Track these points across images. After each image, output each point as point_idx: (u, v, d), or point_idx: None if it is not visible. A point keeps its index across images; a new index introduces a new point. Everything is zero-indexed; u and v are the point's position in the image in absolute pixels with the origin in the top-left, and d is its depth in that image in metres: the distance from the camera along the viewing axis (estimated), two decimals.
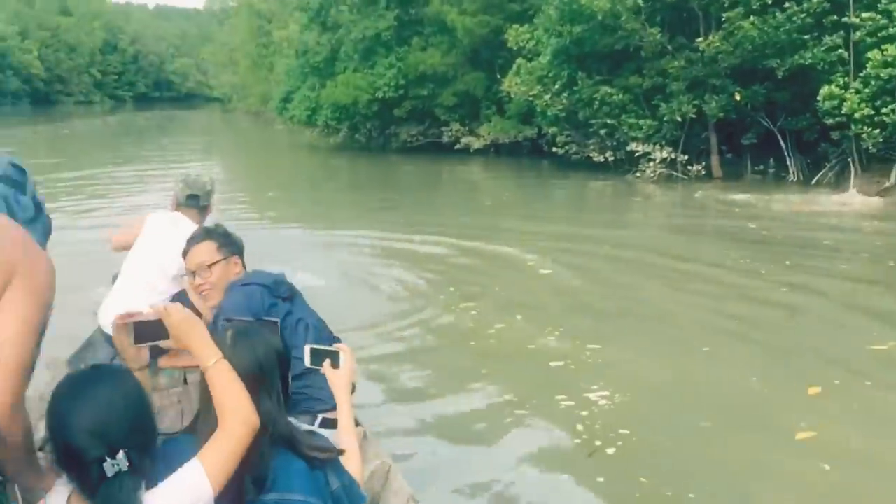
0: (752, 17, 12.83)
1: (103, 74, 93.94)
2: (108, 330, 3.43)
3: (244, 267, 3.08)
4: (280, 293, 2.81)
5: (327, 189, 16.57)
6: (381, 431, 3.88)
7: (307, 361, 2.32)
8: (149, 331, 1.93)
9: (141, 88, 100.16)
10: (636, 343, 5.67)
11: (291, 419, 2.09)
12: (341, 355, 2.32)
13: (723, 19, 13.51)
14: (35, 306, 1.66)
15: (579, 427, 4.19)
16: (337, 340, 2.80)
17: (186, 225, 3.71)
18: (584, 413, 4.36)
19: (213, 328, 2.63)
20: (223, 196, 14.22)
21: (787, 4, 12.67)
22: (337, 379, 2.30)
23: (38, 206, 1.94)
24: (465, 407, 4.59)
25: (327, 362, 2.30)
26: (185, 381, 3.55)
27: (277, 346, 1.96)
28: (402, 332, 5.90)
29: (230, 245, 3.06)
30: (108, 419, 1.58)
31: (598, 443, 4.01)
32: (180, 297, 3.49)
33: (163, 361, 3.49)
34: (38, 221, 1.92)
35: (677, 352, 5.50)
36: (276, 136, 30.97)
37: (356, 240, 9.81)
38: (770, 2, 12.89)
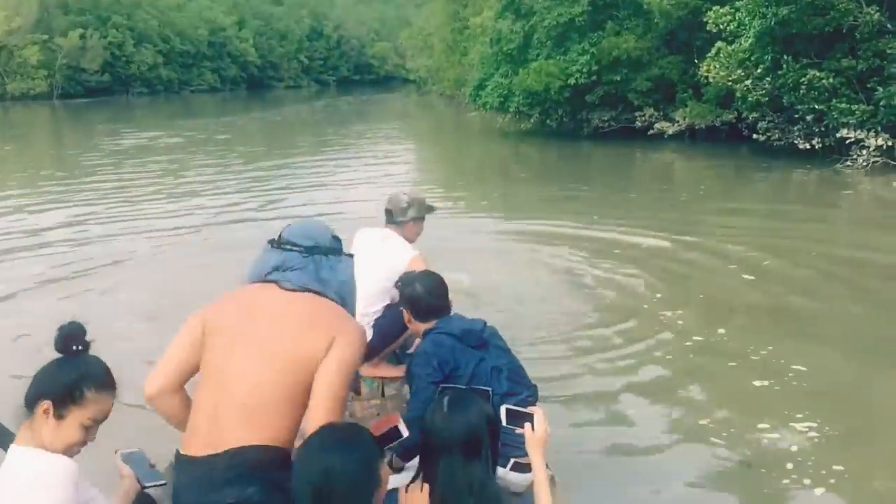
0: None
1: (310, 60, 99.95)
2: None
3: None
4: (469, 342, 2.93)
5: (517, 177, 16.89)
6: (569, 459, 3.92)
7: (504, 421, 2.39)
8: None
9: (343, 72, 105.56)
10: (848, 365, 5.29)
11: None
12: (536, 418, 2.40)
13: None
14: (350, 357, 2.27)
15: (787, 464, 3.92)
16: (533, 387, 2.99)
17: (394, 241, 4.10)
18: (794, 448, 4.08)
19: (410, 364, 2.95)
20: (418, 183, 15.18)
21: None
22: (532, 441, 2.37)
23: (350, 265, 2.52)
24: (653, 432, 4.38)
25: (528, 425, 2.38)
26: (382, 393, 3.85)
27: (489, 413, 2.16)
28: (593, 343, 5.85)
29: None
30: (322, 485, 1.77)
31: (806, 481, 3.76)
32: (389, 310, 3.88)
33: (364, 370, 3.77)
34: (348, 281, 2.48)
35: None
36: (468, 121, 31.66)
37: (544, 230, 9.90)
38: None
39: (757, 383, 5.01)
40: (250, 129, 32.48)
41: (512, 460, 2.71)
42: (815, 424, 4.31)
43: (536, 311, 6.66)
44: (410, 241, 4.14)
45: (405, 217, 4.13)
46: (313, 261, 2.37)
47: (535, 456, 2.36)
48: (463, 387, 2.36)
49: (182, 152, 21.88)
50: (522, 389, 2.97)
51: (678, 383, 5.10)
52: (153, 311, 6.57)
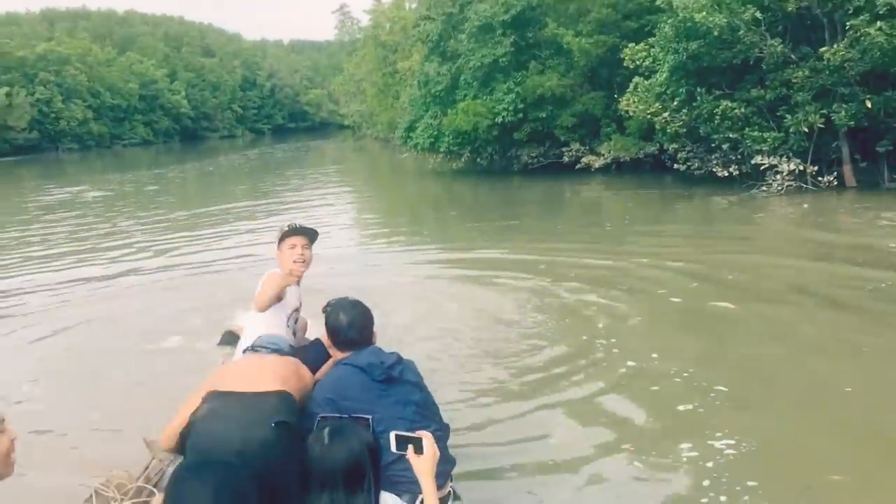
0: (879, 23, 12.29)
1: (244, 109, 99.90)
2: None
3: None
4: (374, 376, 2.90)
5: (449, 214, 17.11)
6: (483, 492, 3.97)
7: (393, 447, 2.42)
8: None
9: (278, 120, 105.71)
10: (772, 388, 5.34)
11: (393, 496, 2.35)
12: (424, 442, 2.42)
13: (847, 27, 13.00)
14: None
15: (704, 481, 4.03)
16: (444, 424, 2.99)
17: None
18: (710, 464, 4.20)
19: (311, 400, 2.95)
20: (356, 221, 15.29)
21: None
22: (420, 465, 2.39)
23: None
24: (577, 453, 4.47)
25: (410, 448, 2.40)
26: None
27: (369, 441, 2.21)
28: (522, 365, 5.96)
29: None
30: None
31: (722, 499, 3.85)
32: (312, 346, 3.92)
33: None
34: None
35: (813, 398, 5.15)
36: (402, 162, 31.96)
37: (477, 258, 10.09)
38: None
39: (680, 404, 5.14)
40: (181, 180, 32.20)
41: (419, 497, 2.65)
42: (732, 441, 4.43)
43: (467, 336, 6.76)
44: (284, 267, 4.05)
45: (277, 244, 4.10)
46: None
47: (425, 479, 2.36)
48: (342, 415, 2.34)
49: (101, 206, 21.60)
50: (430, 423, 2.91)
51: (605, 402, 5.22)
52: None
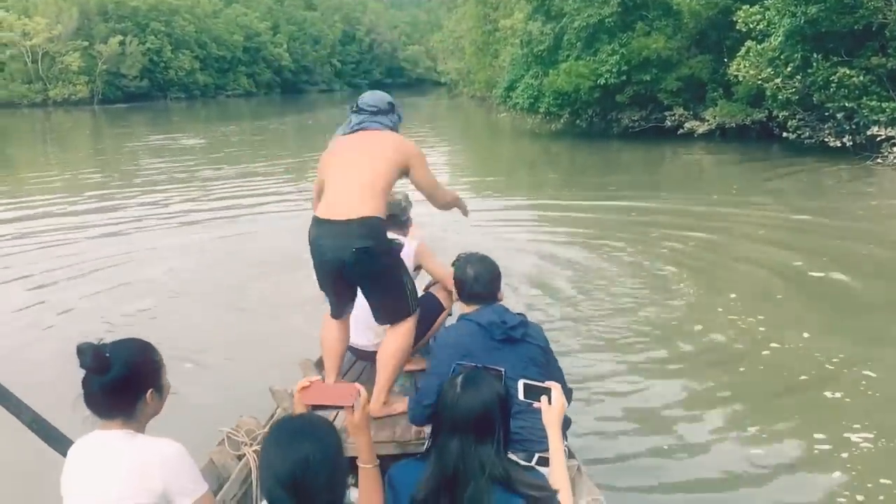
0: None
1: (342, 63, 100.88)
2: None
3: None
4: (494, 334, 2.93)
5: (547, 176, 17.11)
6: (602, 459, 4.02)
7: (520, 395, 2.45)
8: (328, 394, 2.39)
9: (375, 76, 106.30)
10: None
11: (511, 455, 2.38)
12: (553, 392, 2.46)
13: None
14: (424, 169, 3.48)
15: (838, 474, 3.91)
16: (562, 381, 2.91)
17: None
18: (845, 455, 4.07)
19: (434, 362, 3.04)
20: (454, 179, 15.50)
21: None
22: (549, 415, 2.43)
23: (401, 119, 3.64)
24: (698, 437, 4.37)
25: (544, 399, 2.45)
26: (416, 388, 3.72)
27: (500, 392, 2.18)
28: (630, 340, 5.97)
29: None
30: (302, 477, 1.79)
31: (859, 497, 3.71)
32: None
33: None
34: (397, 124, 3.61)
35: None
36: (499, 122, 31.90)
37: (574, 221, 10.21)
38: None
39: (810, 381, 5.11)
40: (283, 132, 33.05)
41: (537, 455, 2.70)
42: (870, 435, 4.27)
43: (572, 299, 6.93)
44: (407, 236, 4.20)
45: (406, 216, 4.25)
46: (379, 117, 3.49)
47: (552, 428, 2.41)
48: (477, 365, 2.33)
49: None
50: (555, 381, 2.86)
51: (719, 384, 5.19)
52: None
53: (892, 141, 14.10)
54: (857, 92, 14.36)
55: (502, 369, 2.35)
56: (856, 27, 14.12)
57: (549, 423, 2.42)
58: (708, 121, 19.48)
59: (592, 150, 20.39)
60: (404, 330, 3.35)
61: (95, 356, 2.10)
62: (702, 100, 20.14)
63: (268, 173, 17.50)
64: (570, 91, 20.93)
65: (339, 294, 3.39)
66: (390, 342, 3.39)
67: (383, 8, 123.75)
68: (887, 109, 13.92)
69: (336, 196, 3.24)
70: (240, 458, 3.10)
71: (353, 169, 3.29)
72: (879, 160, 14.32)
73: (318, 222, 3.23)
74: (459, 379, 2.20)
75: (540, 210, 12.26)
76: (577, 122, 23.66)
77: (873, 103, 14.09)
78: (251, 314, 6.84)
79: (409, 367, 3.92)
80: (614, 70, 20.19)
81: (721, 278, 7.62)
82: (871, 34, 14.29)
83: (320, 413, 2.27)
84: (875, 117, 14.13)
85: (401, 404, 3.42)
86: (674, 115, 20.51)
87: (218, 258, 9.05)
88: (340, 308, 3.45)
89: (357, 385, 2.35)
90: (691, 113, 20.20)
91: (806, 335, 5.78)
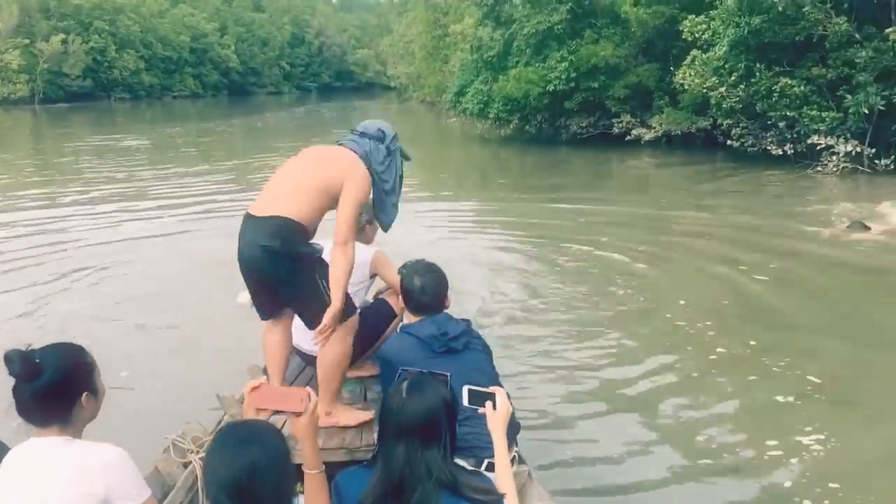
0: None
1: (291, 66, 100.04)
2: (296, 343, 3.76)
3: None
4: (434, 347, 2.93)
5: (496, 180, 17.17)
6: (554, 464, 4.03)
7: (465, 401, 2.44)
8: (277, 398, 2.26)
9: (324, 79, 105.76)
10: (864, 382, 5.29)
11: (459, 460, 2.37)
12: (497, 397, 2.45)
13: None
14: (355, 195, 3.18)
15: (787, 477, 3.95)
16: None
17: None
18: (794, 460, 4.11)
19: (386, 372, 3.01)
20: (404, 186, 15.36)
21: None
22: (493, 420, 2.42)
23: (392, 152, 3.47)
24: (649, 442, 4.38)
25: (488, 404, 2.44)
26: (365, 397, 3.76)
27: (446, 397, 2.17)
28: (579, 345, 5.99)
29: None
30: (248, 484, 1.76)
31: (807, 502, 3.74)
32: (367, 310, 3.99)
33: (348, 372, 3.67)
34: (391, 166, 3.48)
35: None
36: (449, 126, 31.95)
37: (522, 225, 10.23)
38: None
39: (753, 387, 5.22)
40: (231, 134, 32.59)
41: (486, 461, 2.69)
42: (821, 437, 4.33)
43: (516, 300, 6.94)
44: (369, 243, 4.15)
45: (361, 222, 4.06)
46: (361, 139, 3.41)
47: (497, 433, 2.41)
48: (423, 370, 2.32)
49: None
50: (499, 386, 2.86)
51: (671, 384, 5.27)
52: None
53: (832, 149, 14.49)
54: (798, 101, 14.72)
55: (448, 374, 2.33)
56: (797, 39, 14.48)
57: (494, 427, 2.42)
58: (654, 128, 19.79)
59: (541, 155, 20.55)
60: (338, 336, 3.21)
61: (24, 363, 2.01)
62: (648, 107, 20.46)
63: (212, 175, 17.20)
64: (520, 97, 21.07)
65: (257, 293, 3.30)
66: (325, 350, 3.27)
67: (332, 11, 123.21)
68: (826, 119, 14.31)
69: (265, 194, 3.22)
70: (186, 465, 3.02)
71: (292, 171, 3.27)
72: (819, 168, 14.70)
73: (243, 218, 3.22)
74: (405, 385, 2.17)
75: (490, 214, 12.30)
76: (527, 127, 23.83)
77: (813, 113, 14.47)
78: (196, 318, 6.68)
79: (359, 373, 3.87)
80: (563, 77, 20.38)
81: (668, 284, 7.71)
82: (812, 46, 14.68)
83: (268, 418, 2.21)
84: (815, 126, 14.50)
85: (346, 416, 3.35)
86: (621, 122, 20.79)
87: (161, 260, 8.85)
88: (265, 309, 3.35)
89: (307, 389, 2.29)
90: (638, 120, 20.51)
91: (752, 342, 5.86)
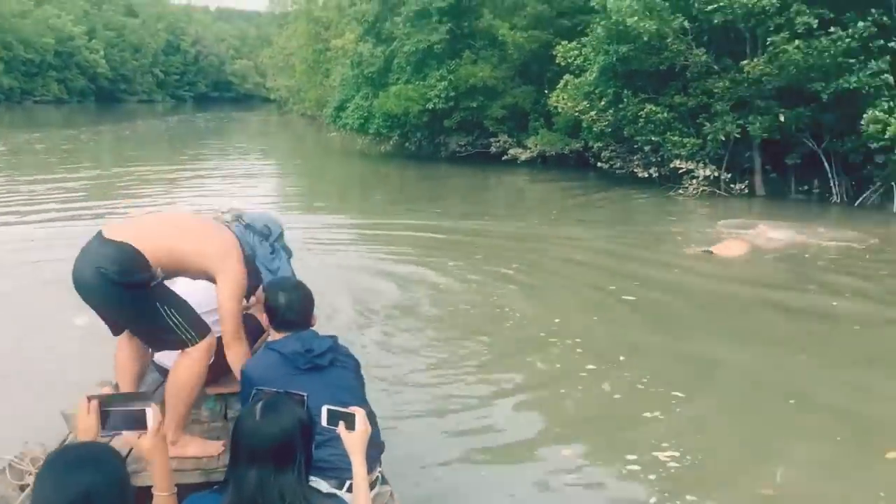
0: (797, 42, 12.96)
1: (165, 74, 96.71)
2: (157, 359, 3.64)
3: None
4: (299, 364, 2.90)
5: (375, 195, 17.20)
6: (417, 484, 4.01)
7: (324, 421, 2.41)
8: (120, 420, 2.09)
9: (201, 88, 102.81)
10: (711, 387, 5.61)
11: (320, 480, 2.38)
12: (357, 417, 2.43)
13: (768, 42, 13.66)
14: (234, 291, 3.10)
15: (646, 492, 4.06)
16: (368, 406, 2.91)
17: None
18: (652, 476, 4.23)
19: (244, 396, 2.94)
20: (279, 196, 15.23)
21: (832, 29, 12.80)
22: (351, 441, 2.40)
23: (277, 250, 3.43)
24: (515, 458, 4.47)
25: (342, 424, 2.41)
26: (225, 416, 3.61)
27: (302, 418, 2.13)
28: (451, 363, 6.08)
29: None
30: None
31: None
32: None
33: (209, 389, 3.60)
34: (276, 259, 3.47)
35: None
36: (329, 141, 31.77)
37: (400, 240, 10.29)
38: (815, 26, 13.01)
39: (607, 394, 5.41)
40: (97, 142, 31.14)
41: (347, 482, 2.63)
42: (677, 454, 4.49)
43: (388, 320, 6.95)
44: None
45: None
46: (246, 232, 3.37)
47: (355, 455, 2.39)
48: (279, 390, 2.27)
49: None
50: (363, 405, 2.83)
51: (535, 398, 5.42)
52: None
53: (692, 174, 15.36)
54: (661, 127, 15.52)
55: (305, 394, 2.30)
56: (661, 68, 15.29)
57: (352, 449, 2.40)
58: (530, 148, 20.38)
59: (421, 172, 20.74)
60: (189, 361, 3.06)
61: None
62: (524, 128, 21.06)
63: (72, 185, 16.36)
64: (400, 113, 21.24)
65: (98, 313, 3.13)
66: (173, 374, 3.11)
67: (210, 20, 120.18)
68: (688, 144, 15.16)
69: (128, 222, 3.14)
70: (23, 488, 2.86)
71: (169, 222, 3.23)
72: (681, 191, 15.54)
73: (94, 235, 3.04)
74: (259, 406, 2.12)
75: (368, 229, 12.26)
76: (407, 144, 24.01)
77: (675, 138, 15.30)
78: (41, 332, 6.33)
79: (221, 389, 3.74)
80: (442, 95, 20.69)
81: (542, 300, 7.91)
82: (675, 75, 15.54)
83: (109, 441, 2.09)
84: (677, 151, 15.34)
85: (193, 446, 3.19)
86: (498, 141, 21.30)
87: (6, 272, 8.32)
88: (113, 327, 3.21)
89: (150, 404, 2.16)
90: (515, 140, 21.06)
91: (622, 357, 6.08)
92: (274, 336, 3.17)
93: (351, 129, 24.14)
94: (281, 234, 3.48)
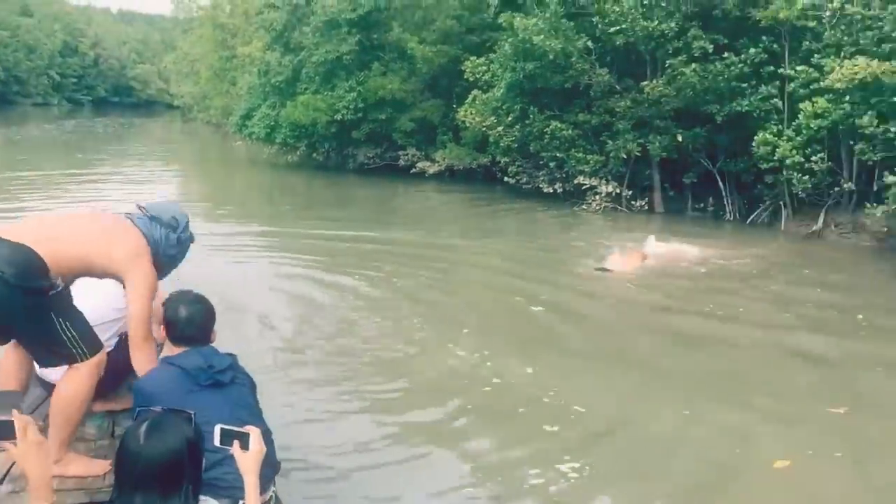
0: (693, 65, 13.51)
1: (62, 77, 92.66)
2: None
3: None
4: (200, 380, 2.83)
5: (281, 206, 16.93)
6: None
7: (217, 441, 2.34)
8: None
9: (100, 93, 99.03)
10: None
11: (211, 500, 2.31)
12: (251, 437, 2.38)
13: (667, 65, 14.19)
14: (144, 292, 3.04)
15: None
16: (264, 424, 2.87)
17: None
18: (553, 489, 4.33)
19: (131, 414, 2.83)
20: (182, 204, 14.71)
21: (726, 54, 13.42)
22: (245, 461, 2.35)
23: (182, 242, 3.32)
24: (417, 470, 4.51)
25: (237, 444, 2.35)
26: (112, 433, 3.46)
27: (190, 437, 2.04)
28: (355, 376, 6.01)
29: None
30: None
31: None
32: (122, 340, 3.73)
33: (97, 406, 3.46)
34: (180, 250, 3.33)
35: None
36: (235, 150, 31.10)
37: (305, 253, 10.14)
38: (711, 50, 13.61)
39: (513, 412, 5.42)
40: None
41: (241, 501, 2.57)
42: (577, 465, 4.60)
43: (288, 334, 6.81)
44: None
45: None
46: (152, 224, 3.24)
47: (248, 475, 2.33)
48: (164, 408, 2.18)
49: None
50: (259, 424, 2.79)
51: (439, 415, 5.42)
52: None
53: (595, 190, 15.75)
54: (566, 144, 15.87)
55: (192, 411, 2.20)
56: (566, 85, 15.65)
57: (245, 469, 2.35)
58: (438, 162, 20.47)
59: (329, 183, 20.54)
60: (78, 376, 2.89)
61: None
62: (433, 142, 21.15)
63: None
64: (307, 124, 21.01)
65: None
66: (59, 390, 2.93)
67: (111, 22, 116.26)
68: (591, 161, 15.55)
69: (23, 223, 2.98)
70: None
71: (68, 224, 3.07)
72: (584, 206, 15.90)
73: None
74: (143, 427, 2.01)
75: (274, 239, 12.07)
76: (314, 155, 23.75)
77: (579, 155, 15.67)
78: None
79: (109, 406, 3.58)
80: (351, 107, 20.58)
81: (450, 312, 7.94)
82: (579, 93, 15.93)
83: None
84: (581, 168, 15.72)
85: (76, 465, 3.01)
86: (407, 154, 21.32)
87: None
88: (1, 335, 2.99)
89: (20, 415, 2.02)
90: (423, 154, 21.11)
91: (529, 370, 6.13)
92: (171, 350, 3.09)
93: (257, 138, 23.71)
94: (187, 225, 3.36)
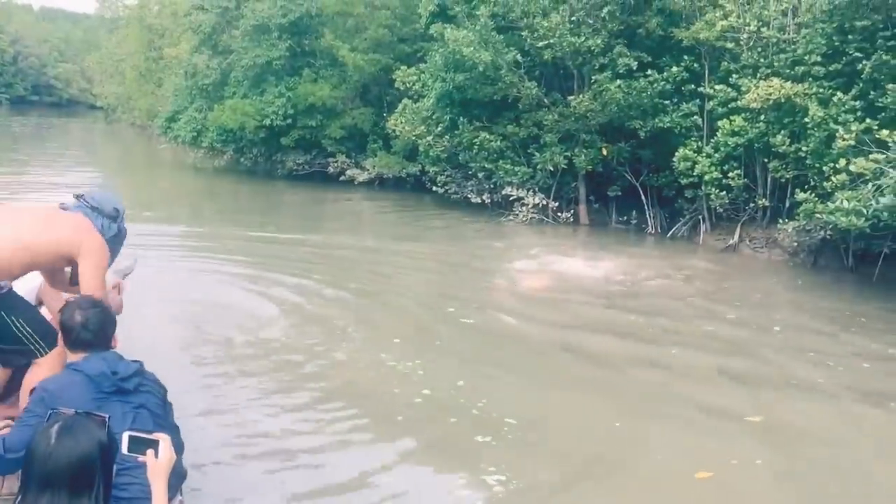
0: (618, 81, 13.86)
1: None
2: None
3: None
4: (104, 387, 2.78)
5: (208, 211, 16.63)
6: None
7: (125, 448, 2.32)
8: None
9: (19, 91, 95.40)
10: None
11: None
12: (161, 444, 2.36)
13: (593, 80, 14.51)
14: (96, 268, 3.16)
15: None
16: (175, 431, 2.85)
17: None
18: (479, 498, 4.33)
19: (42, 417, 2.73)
20: None
21: (649, 72, 13.82)
22: (154, 469, 2.33)
23: (121, 231, 3.47)
24: (342, 480, 4.41)
25: (150, 452, 2.33)
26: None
27: (102, 440, 2.02)
28: (281, 386, 5.92)
29: None
30: None
31: None
32: None
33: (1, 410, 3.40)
34: (118, 240, 3.45)
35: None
36: (159, 153, 30.42)
37: (231, 258, 9.98)
38: (635, 67, 13.99)
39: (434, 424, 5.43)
40: None
41: None
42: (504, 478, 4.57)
43: (210, 339, 6.69)
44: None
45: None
46: (93, 214, 3.31)
47: (157, 483, 2.31)
48: (78, 411, 2.14)
49: None
50: (168, 432, 2.72)
51: (359, 422, 5.34)
52: None
53: (522, 201, 15.96)
54: (495, 155, 16.06)
55: (106, 416, 2.19)
56: (496, 98, 15.84)
57: (154, 477, 2.32)
58: (368, 170, 20.44)
59: (256, 188, 20.28)
60: (40, 372, 2.97)
61: None
62: (363, 149, 21.11)
63: None
64: (235, 128, 20.72)
65: None
66: (24, 387, 2.99)
67: (33, 19, 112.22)
68: (519, 172, 15.76)
69: None
70: None
71: (7, 220, 3.05)
72: (511, 217, 16.09)
73: None
74: (55, 428, 1.99)
75: (198, 241, 11.83)
76: (242, 160, 23.42)
77: (508, 166, 15.87)
78: None
79: (10, 412, 3.45)
80: (280, 112, 20.39)
81: (380, 321, 7.92)
82: (508, 105, 16.14)
83: None
84: (509, 179, 15.91)
85: None
86: (337, 161, 21.22)
87: None
88: None
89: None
90: (353, 161, 21.05)
91: (460, 383, 6.08)
92: (71, 357, 3.03)
93: (183, 141, 23.28)
94: (123, 215, 3.47)
